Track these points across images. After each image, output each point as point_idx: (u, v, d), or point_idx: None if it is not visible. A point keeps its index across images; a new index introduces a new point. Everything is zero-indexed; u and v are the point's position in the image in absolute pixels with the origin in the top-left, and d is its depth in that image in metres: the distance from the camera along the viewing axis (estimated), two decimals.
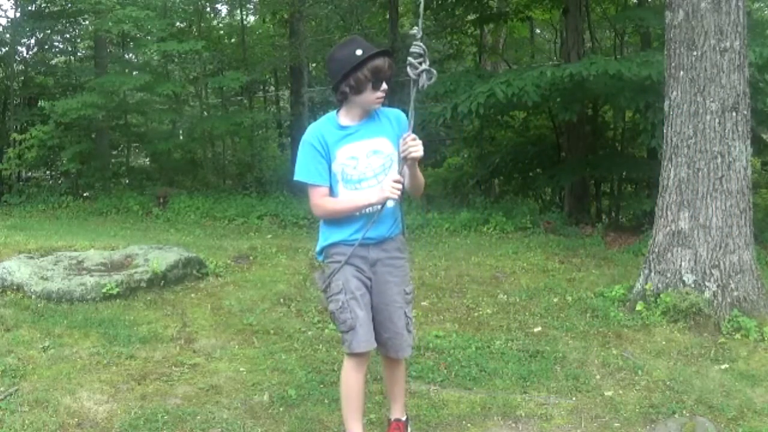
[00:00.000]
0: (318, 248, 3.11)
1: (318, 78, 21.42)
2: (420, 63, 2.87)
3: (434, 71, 2.88)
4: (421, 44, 2.88)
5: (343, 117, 2.98)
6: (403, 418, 3.28)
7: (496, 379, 4.01)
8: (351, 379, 3.01)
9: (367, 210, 2.95)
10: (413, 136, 2.86)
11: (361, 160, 2.95)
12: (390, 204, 2.94)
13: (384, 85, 2.87)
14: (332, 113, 3.02)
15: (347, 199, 2.95)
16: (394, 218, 3.04)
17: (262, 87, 19.90)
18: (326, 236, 3.04)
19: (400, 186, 2.85)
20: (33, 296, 5.11)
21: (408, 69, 2.88)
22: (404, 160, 2.89)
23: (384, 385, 3.48)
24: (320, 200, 2.97)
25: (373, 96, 2.89)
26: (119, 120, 13.81)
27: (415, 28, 2.94)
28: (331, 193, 2.98)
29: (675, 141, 5.12)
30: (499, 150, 13.35)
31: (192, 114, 15.53)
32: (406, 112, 2.99)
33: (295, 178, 2.99)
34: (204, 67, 14.56)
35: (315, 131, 2.97)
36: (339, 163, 2.94)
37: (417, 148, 2.84)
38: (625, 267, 6.62)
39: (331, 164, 2.95)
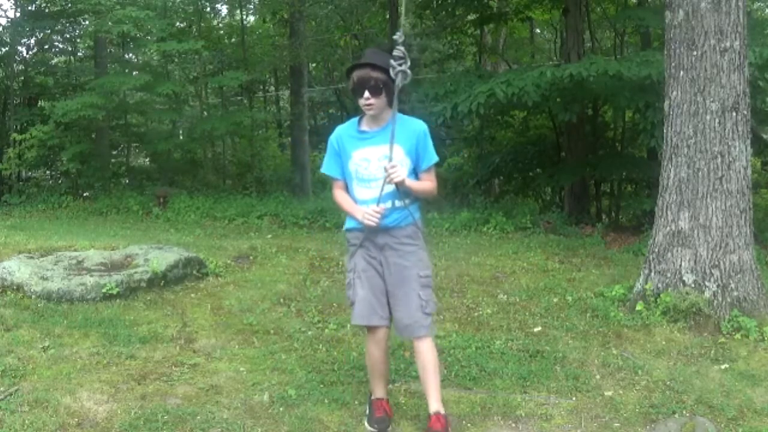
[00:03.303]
0: (343, 231, 3.56)
1: (318, 78, 21.42)
2: (400, 65, 3.17)
3: (409, 73, 3.19)
4: (402, 48, 3.20)
5: (364, 122, 3.35)
6: (442, 411, 3.30)
7: (496, 379, 4.01)
8: (369, 352, 3.41)
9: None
10: (393, 164, 3.15)
11: (373, 162, 3.26)
12: (388, 204, 3.25)
13: (365, 93, 3.19)
14: (356, 118, 3.41)
15: (347, 202, 3.38)
16: (403, 212, 3.29)
17: (262, 87, 19.90)
18: (347, 222, 3.45)
19: (378, 218, 3.18)
20: (33, 296, 5.11)
21: (390, 70, 3.19)
22: (390, 184, 3.19)
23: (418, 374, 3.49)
24: (335, 191, 3.46)
25: (359, 102, 3.26)
26: (119, 120, 13.81)
27: (398, 33, 3.25)
28: (348, 187, 3.40)
29: (675, 141, 5.12)
30: (499, 150, 13.37)
31: (192, 114, 15.53)
32: (403, 111, 3.29)
33: (321, 170, 3.52)
34: (204, 67, 14.56)
35: (336, 133, 3.40)
36: (354, 163, 3.31)
37: (397, 174, 3.13)
38: (625, 267, 6.62)
39: (348, 163, 3.33)
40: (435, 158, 3.33)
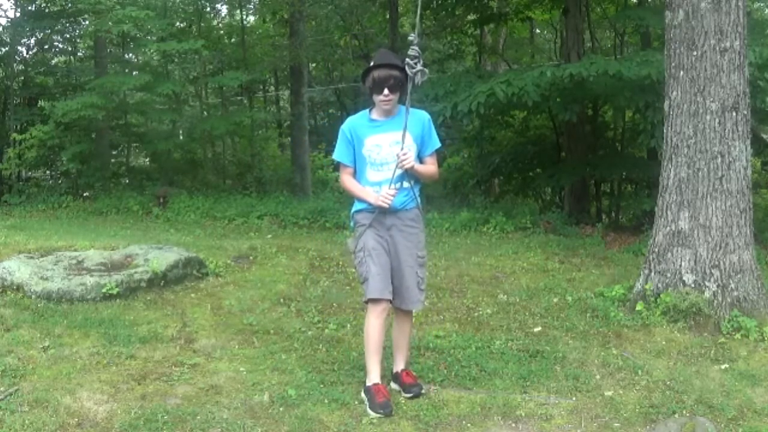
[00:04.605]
0: (350, 214, 3.83)
1: (318, 78, 21.41)
2: (416, 63, 3.53)
3: (427, 71, 3.58)
4: (417, 48, 3.55)
5: (374, 113, 3.69)
6: (409, 368, 3.88)
7: (496, 379, 4.01)
8: (370, 324, 3.62)
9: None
10: (405, 151, 3.53)
11: (384, 147, 3.61)
12: (398, 186, 3.58)
13: (385, 91, 3.53)
14: (366, 110, 3.74)
15: (358, 188, 3.69)
16: (408, 195, 3.66)
17: (262, 87, 19.89)
18: (355, 205, 3.75)
19: (391, 199, 3.55)
20: (33, 296, 5.11)
21: (406, 68, 3.55)
22: (401, 168, 3.55)
23: (392, 338, 3.94)
24: (344, 177, 3.76)
25: (377, 98, 3.59)
26: (119, 120, 13.79)
27: (413, 34, 3.63)
28: (360, 172, 3.69)
29: (675, 141, 5.12)
30: (499, 150, 13.35)
31: (192, 114, 15.52)
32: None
33: (333, 157, 3.84)
34: (204, 67, 14.55)
35: (349, 123, 3.72)
36: (367, 149, 3.63)
37: (408, 161, 3.53)
38: (625, 267, 6.62)
39: (361, 149, 3.64)
40: (438, 144, 3.76)
